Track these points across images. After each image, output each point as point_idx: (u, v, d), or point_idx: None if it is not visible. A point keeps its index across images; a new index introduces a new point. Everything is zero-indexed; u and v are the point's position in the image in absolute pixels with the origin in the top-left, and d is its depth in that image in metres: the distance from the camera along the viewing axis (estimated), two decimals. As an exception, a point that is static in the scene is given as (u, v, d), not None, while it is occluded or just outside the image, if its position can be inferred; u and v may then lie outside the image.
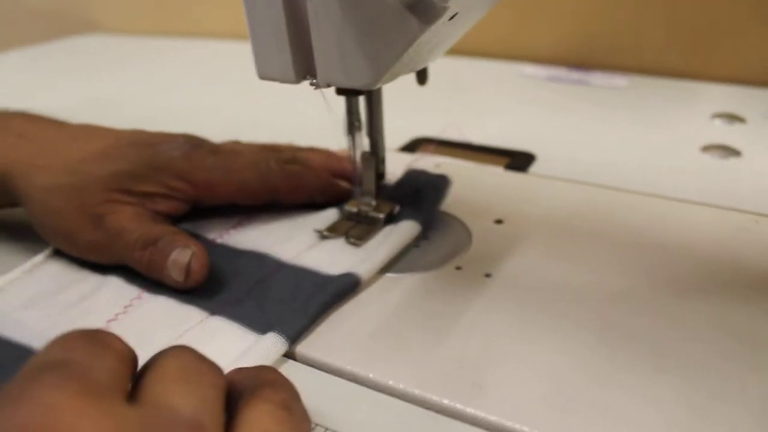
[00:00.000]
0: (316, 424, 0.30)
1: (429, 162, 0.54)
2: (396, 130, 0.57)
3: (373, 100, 0.43)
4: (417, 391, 0.31)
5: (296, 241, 0.43)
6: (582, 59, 0.81)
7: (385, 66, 0.35)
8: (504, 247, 0.42)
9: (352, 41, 0.34)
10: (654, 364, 0.32)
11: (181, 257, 0.38)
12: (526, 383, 0.31)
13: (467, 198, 0.48)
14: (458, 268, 0.40)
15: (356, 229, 0.44)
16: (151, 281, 0.39)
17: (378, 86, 0.37)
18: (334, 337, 0.35)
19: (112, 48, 1.11)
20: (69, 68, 0.99)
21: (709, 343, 0.33)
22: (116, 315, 0.38)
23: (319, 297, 0.37)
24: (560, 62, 0.81)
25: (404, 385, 0.32)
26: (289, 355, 0.34)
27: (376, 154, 0.44)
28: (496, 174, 0.52)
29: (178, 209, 0.44)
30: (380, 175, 0.45)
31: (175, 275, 0.38)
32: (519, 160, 0.55)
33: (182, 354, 0.25)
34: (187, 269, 0.38)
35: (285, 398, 0.26)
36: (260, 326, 0.36)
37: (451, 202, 0.48)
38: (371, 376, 0.32)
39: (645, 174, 0.52)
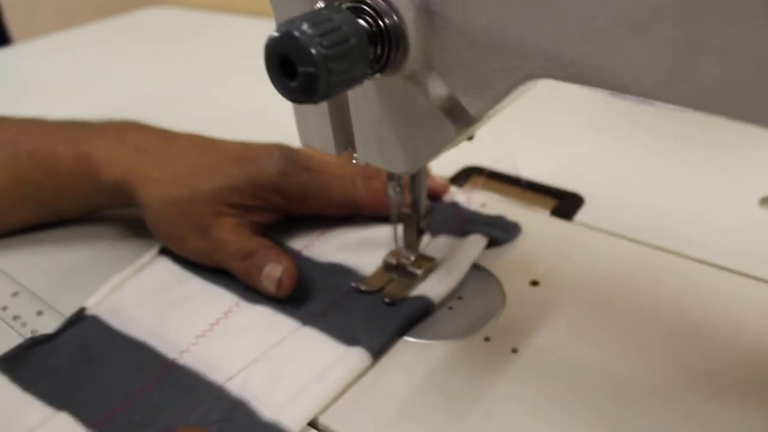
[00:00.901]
0: None
1: (476, 200, 0.54)
2: (448, 156, 0.57)
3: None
4: (429, 484, 0.33)
5: (372, 255, 0.48)
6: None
7: (424, 158, 0.35)
8: (536, 315, 0.43)
9: (390, 133, 0.35)
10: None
11: (274, 271, 0.44)
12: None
13: (508, 250, 0.49)
14: (487, 339, 0.41)
15: (393, 285, 0.45)
16: (249, 289, 0.45)
17: (416, 171, 0.37)
18: (357, 411, 0.37)
19: (179, 22, 1.13)
20: (138, 47, 1.02)
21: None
22: (217, 320, 0.43)
23: (395, 319, 0.42)
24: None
25: (418, 476, 0.33)
26: (313, 424, 0.37)
27: (417, 212, 0.45)
28: (540, 221, 0.52)
29: (271, 219, 0.50)
30: (421, 231, 0.46)
31: (269, 287, 0.44)
32: (567, 203, 0.55)
33: None
34: (279, 283, 0.44)
35: None
36: (347, 338, 0.41)
37: (491, 255, 0.48)
38: (389, 461, 0.34)
39: (696, 227, 0.51)
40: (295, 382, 0.38)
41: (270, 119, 0.48)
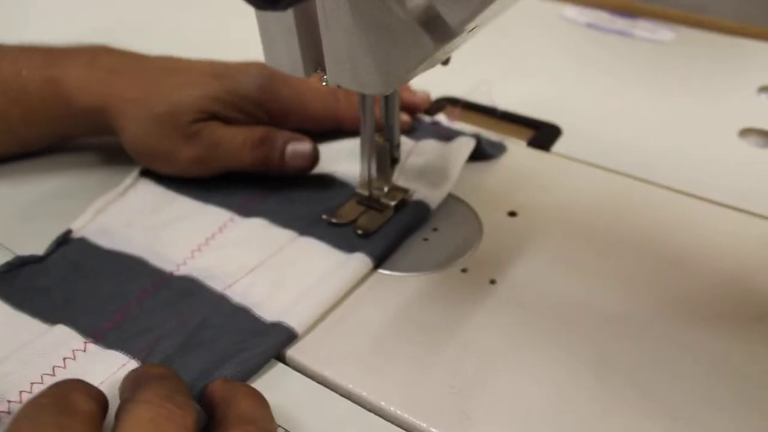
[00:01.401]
0: (305, 444, 0.31)
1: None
2: (421, 87, 0.55)
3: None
4: (406, 416, 0.32)
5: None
6: (627, 3, 0.76)
7: (397, 78, 0.33)
8: (514, 246, 0.41)
9: (362, 50, 0.32)
10: (642, 408, 0.32)
11: (302, 147, 0.45)
12: (512, 416, 0.32)
13: (484, 181, 0.47)
14: (464, 270, 0.40)
15: (366, 217, 0.44)
16: (243, 205, 0.45)
17: (390, 91, 0.35)
18: (329, 344, 0.36)
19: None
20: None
21: (699, 387, 0.33)
22: (213, 234, 0.43)
23: (395, 225, 0.42)
24: (603, 4, 0.76)
25: (395, 408, 0.32)
26: (281, 358, 0.35)
27: (390, 140, 0.43)
28: (517, 152, 0.51)
29: None
30: (394, 160, 0.44)
31: (299, 163, 0.45)
32: (544, 134, 0.53)
33: (151, 402, 0.26)
34: (311, 157, 0.45)
35: None
36: (346, 246, 0.41)
37: (466, 187, 0.46)
38: (364, 394, 0.33)
39: (675, 159, 0.50)
40: (297, 288, 0.38)
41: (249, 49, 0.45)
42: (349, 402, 0.33)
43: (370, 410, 0.33)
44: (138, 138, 0.45)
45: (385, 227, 0.42)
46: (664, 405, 0.32)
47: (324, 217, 0.44)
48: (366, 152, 0.43)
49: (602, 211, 0.44)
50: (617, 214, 0.44)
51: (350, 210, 0.44)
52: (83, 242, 0.42)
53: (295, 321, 0.36)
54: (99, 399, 0.28)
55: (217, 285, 0.39)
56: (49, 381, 0.32)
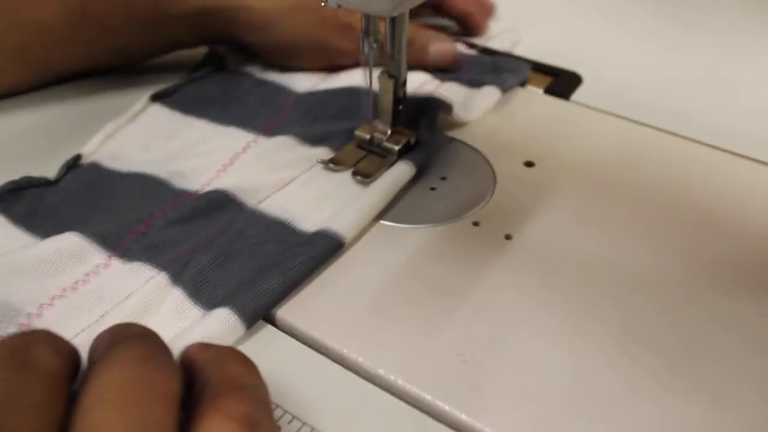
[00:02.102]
0: (293, 417, 0.27)
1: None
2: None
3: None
4: (409, 386, 0.28)
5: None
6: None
7: (409, -8, 0.28)
8: (531, 199, 0.37)
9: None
10: (673, 385, 0.28)
11: (445, 47, 0.46)
12: (528, 391, 0.27)
13: (498, 130, 0.42)
14: (476, 224, 0.35)
15: (366, 162, 0.39)
16: (267, 125, 0.42)
17: (398, 12, 0.30)
18: (323, 303, 0.31)
19: None
20: None
21: (739, 364, 0.29)
22: (237, 155, 0.40)
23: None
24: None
25: (395, 377, 0.28)
26: (269, 319, 0.31)
27: (395, 77, 0.38)
28: (534, 99, 0.46)
29: None
30: (399, 100, 0.39)
31: (444, 63, 0.46)
32: (563, 82, 0.48)
33: (126, 364, 0.21)
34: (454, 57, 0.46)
35: (250, 411, 0.22)
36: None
37: (479, 134, 0.42)
38: (360, 360, 0.29)
39: (709, 112, 0.45)
40: (337, 202, 0.36)
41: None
42: (343, 368, 0.29)
43: (366, 378, 0.28)
44: (285, 33, 0.44)
45: (422, 133, 0.39)
46: (700, 383, 0.28)
47: (319, 161, 0.39)
48: (369, 87, 0.38)
49: (627, 163, 0.40)
50: (644, 168, 0.39)
51: (349, 154, 0.40)
52: (95, 166, 0.39)
53: (340, 228, 0.33)
54: (67, 354, 0.23)
55: (249, 200, 0.36)
56: (72, 296, 0.31)
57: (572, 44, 0.53)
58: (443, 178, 0.39)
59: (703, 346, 0.29)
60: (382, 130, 0.40)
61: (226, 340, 0.29)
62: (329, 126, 0.42)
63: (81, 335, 0.29)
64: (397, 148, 0.39)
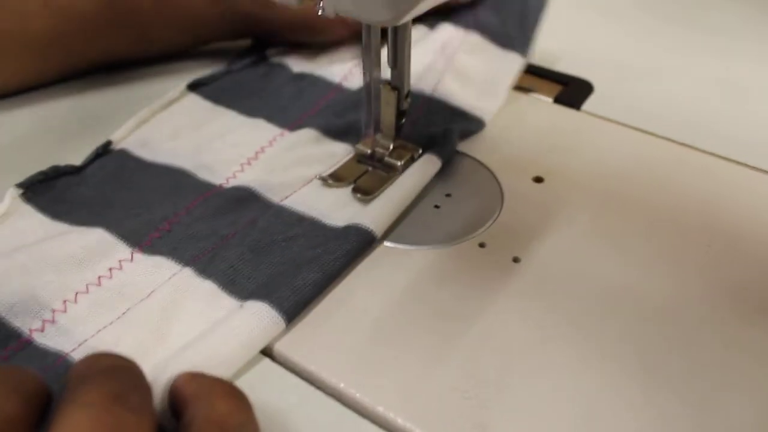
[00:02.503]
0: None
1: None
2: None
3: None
4: (408, 425, 0.26)
5: None
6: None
7: (407, 4, 0.26)
8: (540, 218, 0.35)
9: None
10: (687, 425, 0.26)
11: None
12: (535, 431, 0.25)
13: (506, 142, 0.40)
14: (481, 245, 0.34)
15: (367, 178, 0.37)
16: (295, 120, 0.42)
17: (399, 22, 0.28)
18: (322, 333, 0.29)
19: None
20: None
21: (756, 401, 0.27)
22: (263, 148, 0.39)
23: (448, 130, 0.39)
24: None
25: (395, 415, 0.26)
26: (267, 352, 0.29)
27: (398, 88, 0.36)
28: (543, 110, 0.44)
29: None
30: (402, 112, 0.37)
31: None
32: (574, 90, 0.46)
33: (92, 406, 0.20)
34: None
35: None
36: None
37: (485, 147, 0.40)
38: (358, 396, 0.27)
39: (727, 124, 0.43)
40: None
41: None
42: (341, 404, 0.27)
43: (365, 416, 0.27)
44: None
45: (443, 132, 0.38)
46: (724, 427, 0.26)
47: (318, 178, 0.37)
48: (368, 101, 0.36)
49: (641, 178, 0.38)
50: (659, 184, 0.37)
51: (350, 169, 0.38)
52: (124, 153, 0.39)
53: (370, 222, 0.33)
54: (32, 395, 0.22)
55: (273, 197, 0.36)
56: (95, 292, 0.31)
57: (583, 50, 0.51)
58: (448, 195, 0.37)
59: (729, 385, 0.27)
60: (384, 144, 0.38)
61: (268, 335, 0.28)
62: (352, 116, 0.41)
63: (103, 332, 0.29)
64: (399, 163, 0.37)
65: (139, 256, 0.32)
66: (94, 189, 0.37)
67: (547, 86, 0.47)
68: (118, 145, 0.40)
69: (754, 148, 0.40)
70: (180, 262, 0.32)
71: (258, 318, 0.28)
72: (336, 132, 0.40)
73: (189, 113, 0.43)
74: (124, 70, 0.47)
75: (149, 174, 0.38)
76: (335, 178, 0.37)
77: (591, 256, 0.33)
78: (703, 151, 0.40)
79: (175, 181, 0.37)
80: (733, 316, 0.30)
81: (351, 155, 0.39)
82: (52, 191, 0.36)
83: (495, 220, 0.35)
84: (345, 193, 0.36)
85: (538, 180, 0.38)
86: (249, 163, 0.38)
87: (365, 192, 0.36)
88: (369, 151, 0.38)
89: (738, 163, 0.39)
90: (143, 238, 0.33)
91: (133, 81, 0.47)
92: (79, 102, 0.45)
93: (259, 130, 0.41)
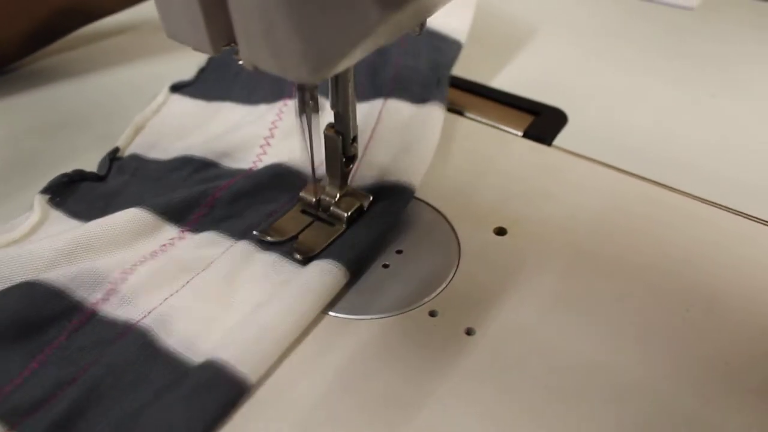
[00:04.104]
0: None
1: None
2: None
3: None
4: None
5: None
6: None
7: (331, 60, 0.23)
8: (499, 280, 0.31)
9: (282, 19, 0.22)
10: None
11: None
12: None
13: (467, 186, 0.37)
14: (432, 314, 0.30)
15: (309, 232, 0.34)
16: (286, 92, 0.41)
17: (322, 80, 0.25)
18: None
19: None
20: None
21: None
22: (274, 122, 0.40)
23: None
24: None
25: None
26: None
27: (342, 133, 0.33)
28: (511, 146, 0.40)
29: None
30: (349, 158, 0.34)
31: None
32: (546, 121, 0.42)
33: None
34: None
35: None
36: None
37: (444, 192, 0.36)
38: None
39: (712, 160, 0.39)
40: (392, 148, 0.36)
41: None
42: None
43: None
44: None
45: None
46: None
47: (255, 233, 0.33)
48: (308, 147, 0.32)
49: (617, 230, 0.34)
50: (637, 236, 0.34)
51: (291, 222, 0.34)
52: (137, 157, 0.39)
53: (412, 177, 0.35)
54: None
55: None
56: (152, 263, 0.31)
57: (555, 76, 0.47)
58: (399, 252, 0.33)
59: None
60: (330, 192, 0.34)
61: (335, 288, 0.30)
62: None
63: (170, 300, 0.30)
64: (346, 215, 0.34)
65: (188, 234, 0.33)
66: (122, 188, 0.36)
67: (517, 116, 0.43)
68: (126, 152, 0.39)
69: (743, 189, 0.36)
70: (232, 237, 0.33)
71: (320, 272, 0.30)
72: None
73: (185, 113, 0.42)
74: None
75: (173, 166, 0.38)
76: (276, 232, 0.33)
77: (554, 327, 0.29)
78: (687, 194, 0.36)
79: (201, 169, 0.37)
80: (715, 397, 0.26)
81: (295, 205, 0.35)
82: (75, 194, 0.36)
83: (449, 283, 0.31)
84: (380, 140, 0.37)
85: (501, 232, 0.34)
86: (268, 143, 0.38)
87: (305, 252, 0.32)
88: (313, 200, 0.34)
89: (723, 207, 0.35)
90: (189, 217, 0.33)
91: (100, 91, 0.46)
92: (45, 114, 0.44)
93: (264, 110, 0.41)
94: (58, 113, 0.44)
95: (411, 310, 0.30)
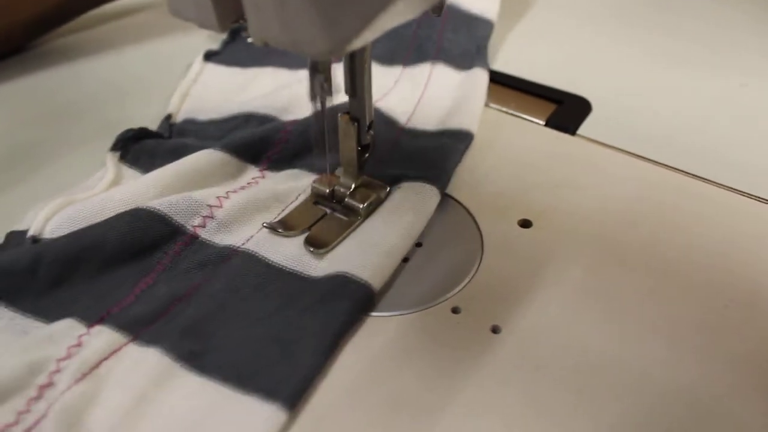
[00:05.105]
0: None
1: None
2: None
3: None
4: None
5: None
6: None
7: (348, 33, 0.21)
8: (525, 274, 0.30)
9: (294, -12, 0.20)
10: None
11: None
12: None
13: (489, 178, 0.35)
14: (455, 310, 0.28)
15: (322, 226, 0.32)
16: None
17: (338, 56, 0.23)
18: None
19: None
20: None
21: None
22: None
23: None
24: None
25: None
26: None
27: (357, 120, 0.31)
28: (533, 135, 0.38)
29: None
30: (365, 147, 0.32)
31: None
32: (569, 110, 0.41)
33: None
34: None
35: None
36: None
37: (466, 184, 0.34)
38: None
39: (749, 153, 0.37)
40: (446, 101, 0.38)
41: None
42: None
43: None
44: None
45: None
46: None
47: (264, 225, 0.32)
48: (321, 135, 0.31)
49: (648, 221, 0.32)
50: (670, 228, 0.32)
51: (303, 215, 0.32)
52: (191, 121, 0.39)
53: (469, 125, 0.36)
54: None
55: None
56: (244, 192, 0.32)
57: (578, 63, 0.45)
58: (418, 245, 0.31)
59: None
60: (345, 183, 0.32)
61: (430, 207, 0.31)
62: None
63: (262, 231, 0.31)
64: (362, 206, 0.32)
65: (269, 173, 0.34)
66: (189, 144, 0.36)
67: (538, 105, 0.41)
68: (178, 117, 0.39)
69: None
70: (312, 171, 0.33)
71: (421, 193, 0.32)
72: (389, 58, 0.42)
73: (223, 80, 0.42)
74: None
75: (234, 125, 0.37)
76: (285, 226, 0.32)
77: (585, 325, 0.27)
78: (719, 185, 0.34)
79: (263, 121, 0.37)
80: (757, 399, 0.24)
81: (306, 195, 0.33)
82: (145, 152, 0.36)
83: (472, 278, 0.29)
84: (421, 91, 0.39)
85: (525, 224, 0.32)
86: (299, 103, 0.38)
87: (319, 245, 0.30)
88: (327, 190, 0.33)
89: (759, 199, 0.33)
90: (265, 155, 0.34)
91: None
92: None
93: (301, 68, 0.41)
94: (61, 99, 0.42)
95: (432, 306, 0.28)
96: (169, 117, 0.39)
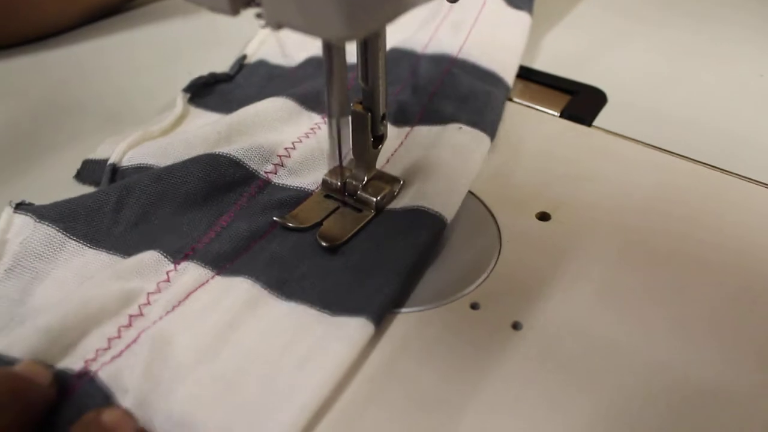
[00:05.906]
0: None
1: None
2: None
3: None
4: None
5: None
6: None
7: (366, 13, 0.20)
8: (546, 268, 0.29)
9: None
10: None
11: None
12: None
13: (505, 170, 0.34)
14: (474, 306, 0.27)
15: (334, 220, 0.31)
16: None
17: (354, 38, 0.22)
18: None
19: None
20: None
21: None
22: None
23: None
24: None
25: None
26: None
27: (371, 110, 0.30)
28: (549, 127, 0.37)
29: None
30: (378, 138, 0.31)
31: None
32: (584, 101, 0.39)
33: None
34: None
35: None
36: None
37: (482, 177, 0.33)
38: None
39: (758, 140, 0.36)
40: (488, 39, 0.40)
41: None
42: None
43: None
44: None
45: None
46: None
47: (275, 219, 0.31)
48: (335, 126, 0.30)
49: (669, 215, 0.31)
50: (692, 222, 0.31)
51: (314, 208, 0.31)
52: (264, 63, 0.42)
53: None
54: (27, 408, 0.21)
55: (416, 47, 0.41)
56: (308, 141, 0.34)
57: (593, 54, 0.44)
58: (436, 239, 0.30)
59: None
60: (357, 176, 0.31)
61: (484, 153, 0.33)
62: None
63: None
64: (374, 200, 0.31)
65: (322, 127, 0.35)
66: (251, 90, 0.39)
67: (553, 96, 0.40)
68: (253, 58, 0.42)
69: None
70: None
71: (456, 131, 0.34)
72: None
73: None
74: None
75: (306, 73, 0.40)
76: (297, 220, 0.31)
77: (608, 321, 0.26)
78: (739, 176, 0.33)
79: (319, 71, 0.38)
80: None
81: (317, 189, 0.32)
82: (213, 95, 0.39)
83: (491, 273, 0.28)
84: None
85: (544, 217, 0.31)
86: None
87: (331, 239, 0.29)
88: (338, 183, 0.32)
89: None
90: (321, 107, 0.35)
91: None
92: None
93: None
94: (65, 95, 0.41)
95: (450, 302, 0.27)
96: (243, 57, 0.42)
